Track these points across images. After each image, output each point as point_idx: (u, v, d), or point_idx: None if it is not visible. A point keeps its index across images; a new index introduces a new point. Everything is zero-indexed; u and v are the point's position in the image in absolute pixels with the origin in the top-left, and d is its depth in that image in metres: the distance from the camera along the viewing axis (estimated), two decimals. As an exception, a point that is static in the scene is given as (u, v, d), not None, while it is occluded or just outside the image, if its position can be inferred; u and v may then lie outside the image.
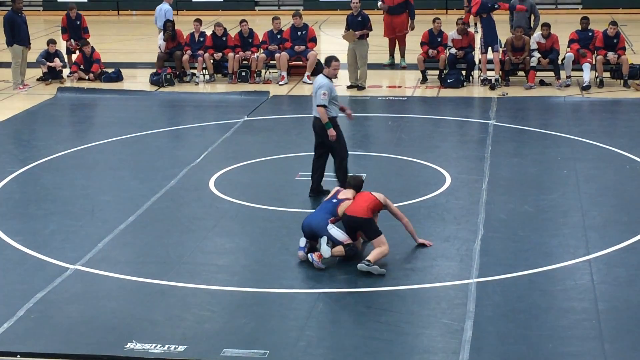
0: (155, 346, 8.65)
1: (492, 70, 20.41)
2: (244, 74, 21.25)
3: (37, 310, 9.50)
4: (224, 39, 21.45)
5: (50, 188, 13.75)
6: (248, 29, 21.39)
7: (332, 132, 12.73)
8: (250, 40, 21.37)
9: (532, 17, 21.31)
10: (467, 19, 22.36)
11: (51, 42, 21.77)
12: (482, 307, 9.37)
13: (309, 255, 10.53)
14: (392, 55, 22.91)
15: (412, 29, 22.35)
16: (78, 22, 22.48)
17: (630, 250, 10.88)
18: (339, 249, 10.64)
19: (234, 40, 21.40)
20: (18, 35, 20.69)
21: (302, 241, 10.74)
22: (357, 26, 20.38)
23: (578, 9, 32.50)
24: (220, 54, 21.34)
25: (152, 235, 11.73)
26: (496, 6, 20.41)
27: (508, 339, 8.76)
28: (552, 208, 12.45)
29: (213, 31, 21.59)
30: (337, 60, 12.88)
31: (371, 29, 20.56)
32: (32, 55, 21.56)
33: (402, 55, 22.70)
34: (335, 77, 12.98)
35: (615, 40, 20.18)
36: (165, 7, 23.08)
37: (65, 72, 21.95)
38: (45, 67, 21.49)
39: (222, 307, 9.62)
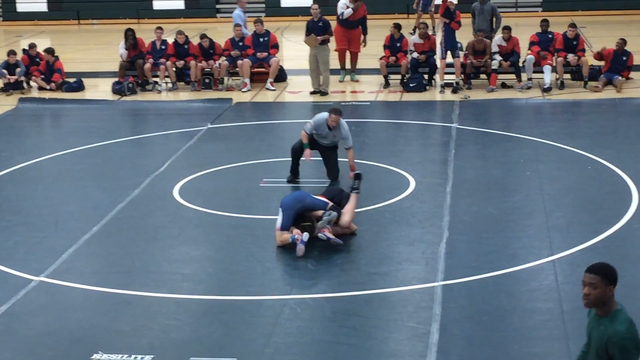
0: (122, 356, 8.61)
1: (452, 74, 20.50)
2: (207, 81, 21.21)
3: (1, 323, 9.42)
4: (186, 46, 21.40)
5: (13, 199, 13.64)
6: (208, 41, 21.31)
7: (307, 152, 13.77)
8: (211, 52, 21.31)
9: (494, 19, 21.46)
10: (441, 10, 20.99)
11: (11, 52, 21.59)
12: (448, 310, 9.41)
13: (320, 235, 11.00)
14: (343, 68, 22.10)
15: (365, 45, 21.81)
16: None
17: (593, 250, 10.96)
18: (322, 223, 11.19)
19: (195, 50, 21.32)
20: None
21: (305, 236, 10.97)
22: (319, 31, 20.41)
23: (538, 11, 32.76)
24: (182, 62, 21.29)
25: (117, 245, 11.67)
26: (454, 16, 20.26)
27: (474, 341, 8.81)
28: (515, 210, 12.53)
29: (175, 39, 21.53)
30: (336, 113, 13.73)
31: (332, 34, 20.60)
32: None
33: (354, 70, 22.05)
34: (333, 127, 13.74)
35: (574, 42, 20.38)
36: (236, 12, 22.58)
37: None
38: (5, 79, 21.31)
39: (189, 315, 9.59)
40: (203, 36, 21.54)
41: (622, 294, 9.68)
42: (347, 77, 21.91)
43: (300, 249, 10.80)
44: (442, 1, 20.46)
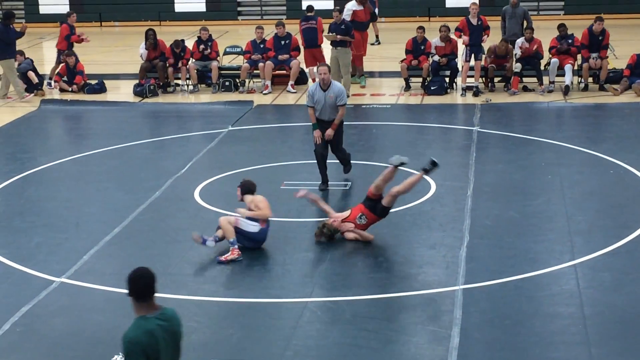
0: (142, 358, 8.61)
1: (472, 77, 20.45)
2: (227, 83, 21.26)
3: (23, 323, 9.46)
4: (210, 43, 21.47)
5: (35, 201, 13.70)
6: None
7: (315, 132, 13.70)
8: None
9: (525, 23, 21.35)
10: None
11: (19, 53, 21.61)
12: (469, 314, 9.38)
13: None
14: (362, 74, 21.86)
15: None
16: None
17: (615, 254, 10.91)
18: None
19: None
20: (11, 48, 20.63)
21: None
22: (340, 33, 20.34)
23: (560, 14, 32.63)
24: (204, 54, 21.31)
25: (138, 246, 11.70)
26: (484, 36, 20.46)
27: (495, 345, 8.77)
28: (537, 214, 12.48)
29: (198, 36, 21.60)
30: (322, 65, 13.76)
31: (353, 37, 20.55)
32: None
33: (361, 74, 21.87)
34: (325, 83, 13.49)
35: (600, 38, 20.22)
36: (351, 3, 21.87)
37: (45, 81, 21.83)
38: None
39: (209, 317, 9.60)
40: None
41: (644, 299, 9.69)
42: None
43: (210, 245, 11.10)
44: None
